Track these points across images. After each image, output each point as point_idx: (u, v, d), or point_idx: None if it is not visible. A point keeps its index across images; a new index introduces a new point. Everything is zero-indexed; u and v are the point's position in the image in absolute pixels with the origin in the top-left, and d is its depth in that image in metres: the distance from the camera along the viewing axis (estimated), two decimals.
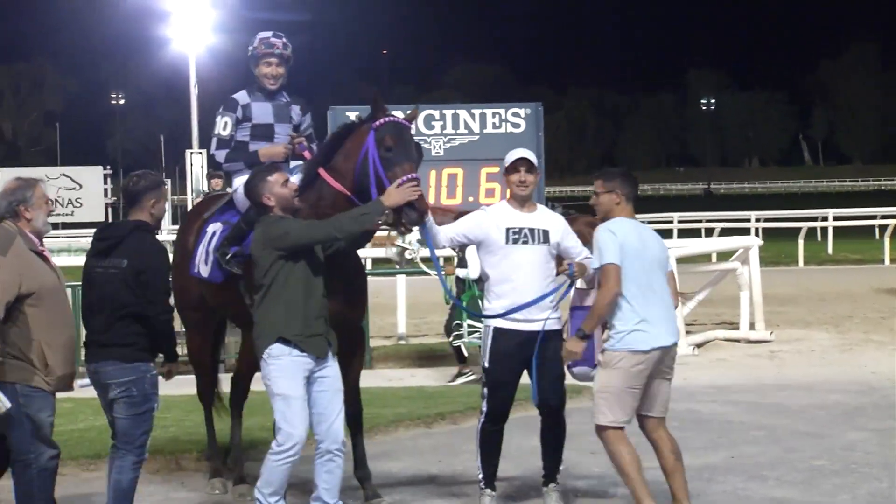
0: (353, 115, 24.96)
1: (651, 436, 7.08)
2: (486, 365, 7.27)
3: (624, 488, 7.57)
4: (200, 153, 23.44)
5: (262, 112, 7.94)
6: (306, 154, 7.79)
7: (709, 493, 7.78)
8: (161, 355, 6.73)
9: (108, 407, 6.62)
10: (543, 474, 7.44)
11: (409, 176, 6.87)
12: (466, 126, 30.84)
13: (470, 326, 12.39)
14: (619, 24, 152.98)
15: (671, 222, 39.41)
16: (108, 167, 43.95)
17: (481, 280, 12.44)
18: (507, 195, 7.43)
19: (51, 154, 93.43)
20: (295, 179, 7.23)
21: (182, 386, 8.74)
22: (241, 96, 7.98)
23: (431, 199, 29.18)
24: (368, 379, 13.11)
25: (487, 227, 7.25)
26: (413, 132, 7.18)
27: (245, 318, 7.60)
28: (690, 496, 7.10)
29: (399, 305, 15.75)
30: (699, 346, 14.90)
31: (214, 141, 7.96)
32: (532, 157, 7.31)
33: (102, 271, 6.55)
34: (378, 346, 14.93)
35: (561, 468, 7.46)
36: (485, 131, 30.59)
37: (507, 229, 7.21)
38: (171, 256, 7.81)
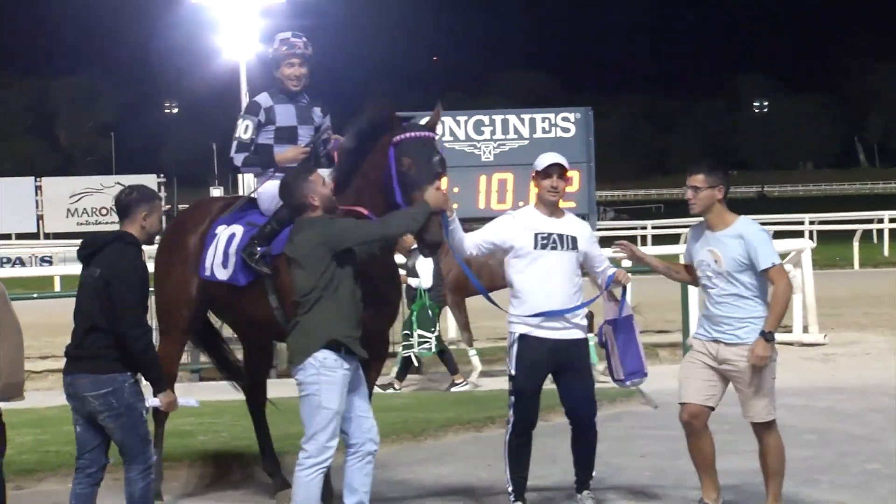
0: None
1: (704, 426, 7.03)
2: (513, 373, 7.18)
3: (676, 491, 7.49)
4: None
5: (286, 114, 7.81)
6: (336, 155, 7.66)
7: (761, 495, 7.68)
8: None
9: (82, 420, 6.42)
10: (576, 483, 7.36)
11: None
12: (516, 131, 30.76)
13: (420, 337, 12.34)
14: (669, 29, 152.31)
15: None
16: (162, 176, 44.37)
17: (433, 289, 12.55)
18: (535, 200, 7.30)
19: (106, 164, 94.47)
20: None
21: (233, 392, 8.78)
22: (264, 99, 7.85)
23: (482, 205, 28.89)
24: (420, 384, 13.17)
25: (515, 232, 7.14)
26: (437, 135, 6.98)
27: (257, 323, 7.58)
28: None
29: (447, 311, 15.69)
30: None
31: (234, 144, 7.80)
32: (565, 162, 7.17)
33: (83, 281, 6.44)
34: None
35: (594, 474, 7.36)
36: (535, 136, 30.47)
37: (536, 234, 7.09)
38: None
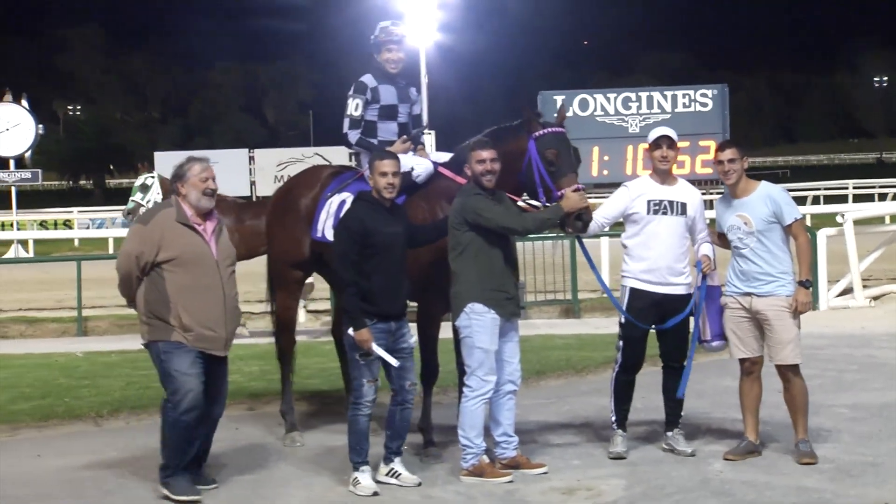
0: (559, 99, 24.63)
1: (759, 373, 6.98)
2: (622, 320, 7.08)
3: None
4: (430, 133, 23.76)
5: (388, 94, 7.73)
6: (420, 151, 7.65)
7: (889, 428, 7.49)
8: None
9: None
10: (666, 422, 7.17)
11: (577, 186, 6.75)
12: (659, 106, 30.08)
13: None
14: (795, 10, 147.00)
15: (847, 188, 37.97)
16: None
17: None
18: (650, 170, 7.17)
19: (305, 137, 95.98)
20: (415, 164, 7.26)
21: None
22: (369, 80, 7.74)
23: (629, 171, 28.34)
24: (578, 327, 13.18)
25: (630, 202, 7.04)
26: (566, 133, 6.92)
27: None
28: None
29: (603, 262, 15.65)
30: (875, 298, 14.34)
31: (347, 121, 7.69)
32: (673, 134, 7.06)
33: None
34: (585, 298, 14.88)
35: (682, 414, 7.17)
36: (676, 110, 29.83)
37: (649, 201, 6.98)
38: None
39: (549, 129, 6.88)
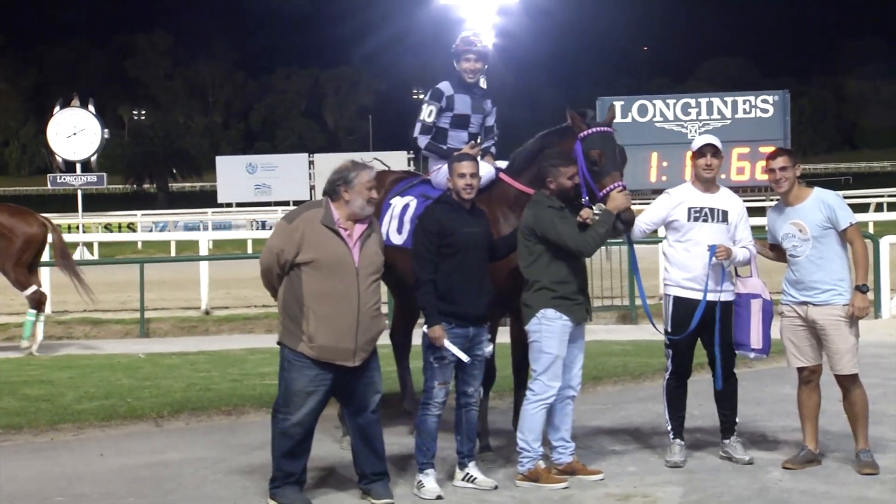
0: (618, 105, 24.43)
1: (817, 382, 6.88)
2: (669, 329, 7.02)
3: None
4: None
5: (463, 103, 7.73)
6: (488, 159, 7.61)
7: None
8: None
9: None
10: (721, 429, 7.09)
11: (618, 184, 6.68)
12: (719, 112, 29.83)
13: None
14: (857, 17, 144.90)
15: None
16: (411, 152, 45.24)
17: None
18: (692, 177, 7.11)
19: (364, 142, 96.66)
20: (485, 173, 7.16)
21: None
22: (446, 87, 7.75)
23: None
24: (635, 333, 13.10)
25: (671, 208, 6.99)
26: (614, 134, 6.86)
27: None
28: None
29: (660, 269, 15.49)
30: None
31: (419, 126, 7.72)
32: (718, 142, 7.00)
33: None
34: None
35: (737, 420, 7.09)
36: (736, 116, 29.57)
37: (690, 208, 6.94)
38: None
39: (595, 129, 6.85)
